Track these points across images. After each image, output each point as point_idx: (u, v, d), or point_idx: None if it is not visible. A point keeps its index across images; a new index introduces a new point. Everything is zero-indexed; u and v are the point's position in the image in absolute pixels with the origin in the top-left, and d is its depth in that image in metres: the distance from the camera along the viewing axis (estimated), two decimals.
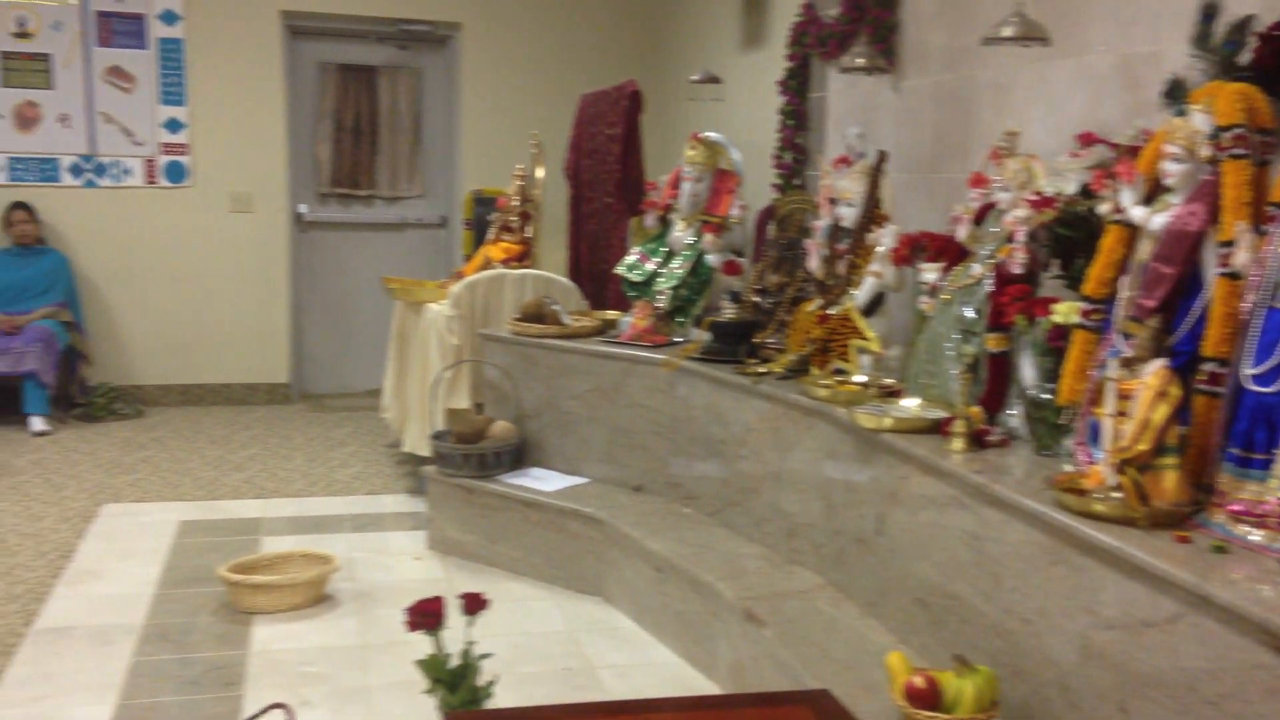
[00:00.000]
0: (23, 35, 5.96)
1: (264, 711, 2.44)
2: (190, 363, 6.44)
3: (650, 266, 4.29)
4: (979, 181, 2.93)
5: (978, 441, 2.53)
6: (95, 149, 6.13)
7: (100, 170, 6.16)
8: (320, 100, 6.62)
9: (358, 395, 6.70)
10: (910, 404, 2.80)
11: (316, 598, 3.58)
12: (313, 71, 6.58)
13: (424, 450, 4.68)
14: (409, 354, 5.09)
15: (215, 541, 4.13)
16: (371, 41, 6.64)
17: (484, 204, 6.35)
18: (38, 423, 5.63)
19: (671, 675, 3.13)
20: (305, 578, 3.56)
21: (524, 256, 5.07)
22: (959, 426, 2.51)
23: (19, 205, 5.94)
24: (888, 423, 2.68)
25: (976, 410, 2.60)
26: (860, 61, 3.77)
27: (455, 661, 2.58)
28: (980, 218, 2.90)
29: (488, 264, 5.04)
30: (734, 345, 3.64)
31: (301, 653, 3.22)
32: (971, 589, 2.35)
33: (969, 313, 2.75)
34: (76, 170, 6.13)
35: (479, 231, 6.29)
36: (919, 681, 2.13)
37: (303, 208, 6.63)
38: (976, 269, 2.78)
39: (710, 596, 3.06)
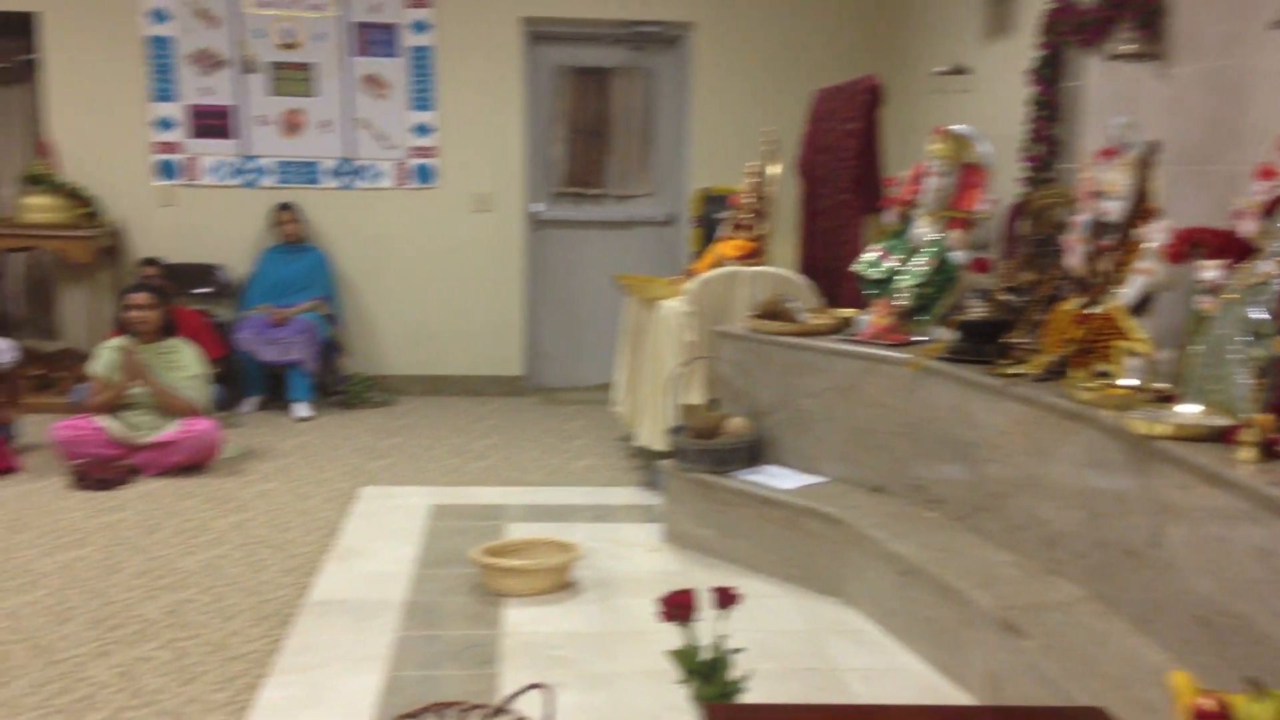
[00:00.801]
0: (289, 46, 6.40)
1: (524, 690, 2.53)
2: (434, 355, 6.77)
3: (891, 264, 4.21)
4: (1269, 174, 2.73)
5: (1268, 451, 2.37)
6: (353, 152, 6.53)
7: (357, 173, 6.55)
8: (556, 103, 6.82)
9: (588, 389, 6.87)
10: (1190, 410, 2.64)
11: (561, 584, 3.69)
12: (549, 75, 6.79)
13: (657, 445, 4.76)
14: (641, 350, 5.18)
15: (464, 525, 4.32)
16: (606, 44, 6.79)
17: (713, 202, 6.40)
18: (302, 409, 6.04)
19: (920, 682, 3.07)
20: (551, 564, 3.68)
21: (757, 253, 5.07)
22: (1248, 435, 2.35)
23: (285, 206, 6.38)
24: (1166, 429, 2.54)
25: (1267, 418, 2.43)
26: (1130, 48, 3.59)
27: (707, 654, 2.61)
28: (1269, 211, 2.70)
29: (720, 261, 5.07)
30: (983, 345, 3.53)
31: (550, 636, 3.33)
32: (1261, 608, 2.20)
33: (1258, 314, 2.57)
34: (336, 173, 6.54)
35: (707, 229, 6.34)
36: (1209, 704, 2.00)
37: (537, 207, 6.85)
38: (1265, 266, 2.59)
39: (961, 603, 2.98)
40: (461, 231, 6.68)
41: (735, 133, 6.57)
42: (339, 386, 6.41)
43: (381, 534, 4.22)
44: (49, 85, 6.31)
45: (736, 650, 2.64)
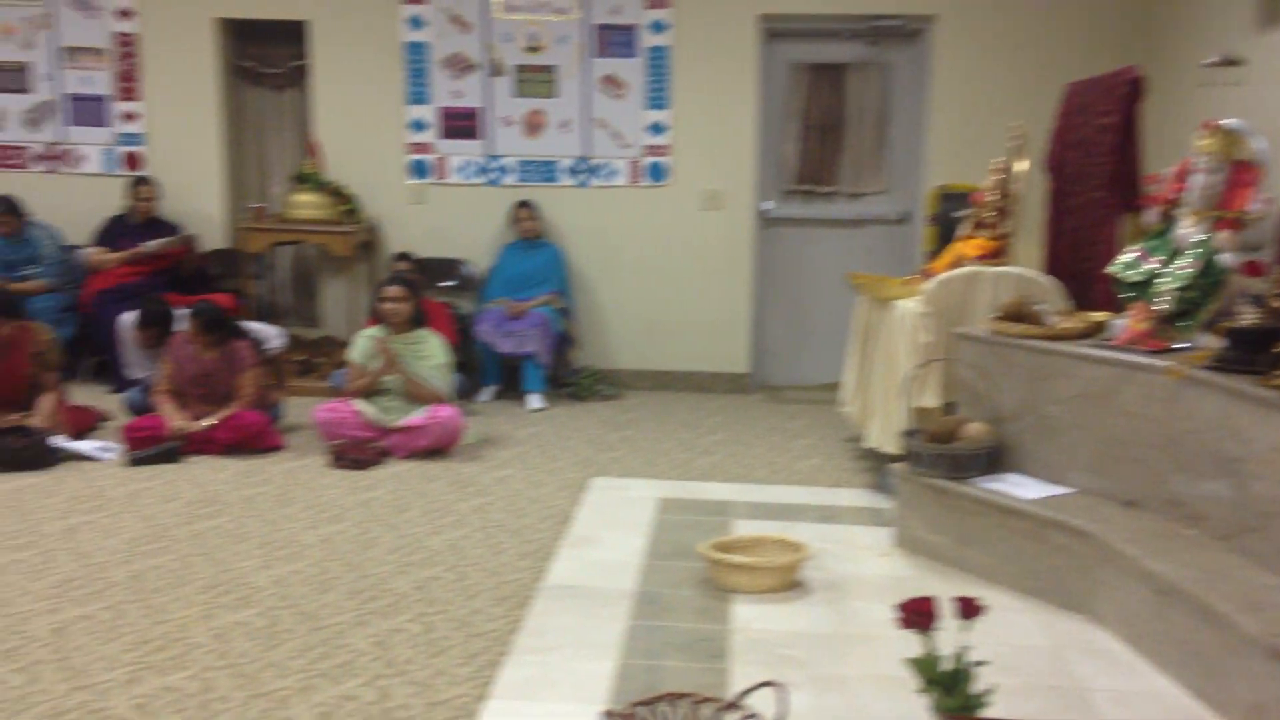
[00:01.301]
0: (534, 50, 6.63)
1: (756, 687, 2.53)
2: (661, 350, 6.87)
3: (1150, 266, 3.98)
4: None
5: None
6: (589, 151, 6.70)
7: (592, 171, 6.72)
8: (789, 100, 6.79)
9: (814, 389, 6.80)
10: None
11: (790, 583, 3.67)
12: (784, 72, 6.76)
13: (888, 447, 4.67)
14: (872, 350, 5.09)
15: (691, 520, 4.36)
16: (842, 40, 6.70)
17: (949, 200, 6.21)
18: (535, 400, 6.26)
19: (1176, 708, 2.88)
20: (781, 562, 3.67)
21: (1000, 253, 4.88)
22: None
23: (524, 203, 6.62)
24: None
25: None
26: None
27: (948, 665, 2.54)
28: None
29: (960, 261, 4.92)
30: (1254, 354, 3.28)
31: (780, 635, 3.32)
32: None
33: None
34: (573, 171, 6.73)
35: (943, 228, 6.16)
36: None
37: (767, 205, 6.83)
38: None
39: (1225, 628, 2.79)
40: (691, 229, 6.75)
41: (976, 128, 6.36)
42: (570, 379, 6.60)
43: (612, 524, 4.32)
44: (316, 89, 6.77)
45: (979, 663, 2.56)
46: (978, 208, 5.08)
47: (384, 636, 3.26)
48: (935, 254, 5.64)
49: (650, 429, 5.89)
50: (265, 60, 6.95)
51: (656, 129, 6.65)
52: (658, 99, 6.62)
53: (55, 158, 6.85)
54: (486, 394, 6.42)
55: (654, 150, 6.68)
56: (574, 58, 6.62)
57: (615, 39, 6.59)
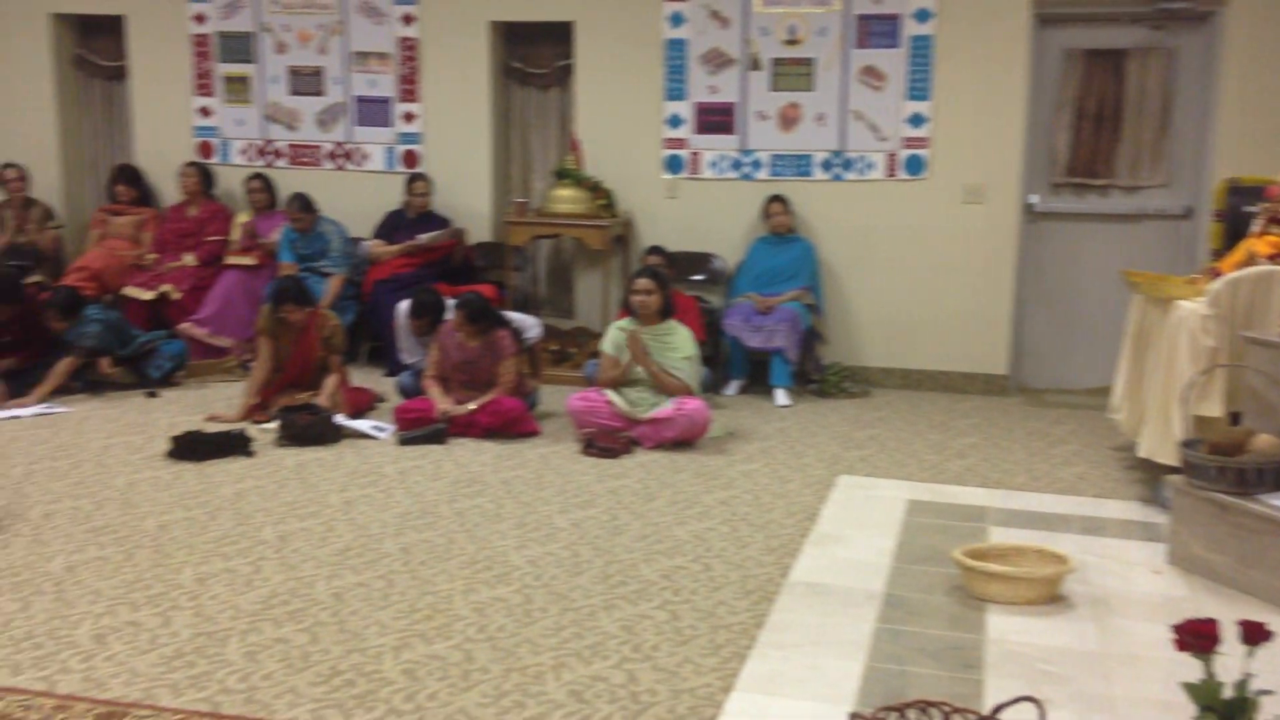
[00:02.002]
0: (792, 42, 6.59)
1: (1014, 701, 2.41)
2: (912, 348, 6.69)
3: None
4: None
5: None
6: (844, 145, 6.60)
7: (847, 165, 6.62)
8: (1061, 88, 6.45)
9: (1079, 393, 6.45)
10: None
11: (1051, 596, 3.49)
12: (1057, 59, 6.43)
13: (1163, 457, 4.36)
14: (1148, 353, 4.76)
15: (943, 524, 4.22)
16: (1123, 24, 6.30)
17: (1240, 194, 5.75)
18: (782, 395, 6.23)
19: None
20: (1042, 574, 3.49)
21: None
22: None
23: (776, 198, 6.59)
24: None
25: None
26: None
27: (1229, 692, 2.34)
28: None
29: (1251, 259, 4.53)
30: None
31: (1039, 649, 3.16)
32: None
33: None
34: (827, 165, 6.65)
35: (1232, 224, 5.70)
36: None
37: (1033, 198, 6.52)
38: None
39: None
40: (949, 224, 6.52)
41: (1272, 117, 5.84)
42: (817, 375, 6.53)
43: (859, 523, 4.24)
44: (579, 87, 6.99)
45: (1263, 692, 2.34)
46: (1273, 203, 4.66)
47: (632, 622, 3.33)
48: (1222, 252, 5.23)
49: (899, 428, 5.74)
50: (532, 60, 7.24)
51: (916, 120, 6.47)
52: (919, 90, 6.44)
53: (343, 156, 7.39)
54: (733, 388, 6.45)
55: (912, 143, 6.50)
56: (833, 49, 6.53)
57: (876, 29, 6.46)
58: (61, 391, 5.92)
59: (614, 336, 5.48)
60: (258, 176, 7.25)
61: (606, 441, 5.18)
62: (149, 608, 3.36)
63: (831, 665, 3.06)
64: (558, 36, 7.04)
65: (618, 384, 5.40)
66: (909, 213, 6.58)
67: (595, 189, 6.75)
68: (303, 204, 6.85)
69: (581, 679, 2.97)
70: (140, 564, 3.71)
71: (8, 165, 7.26)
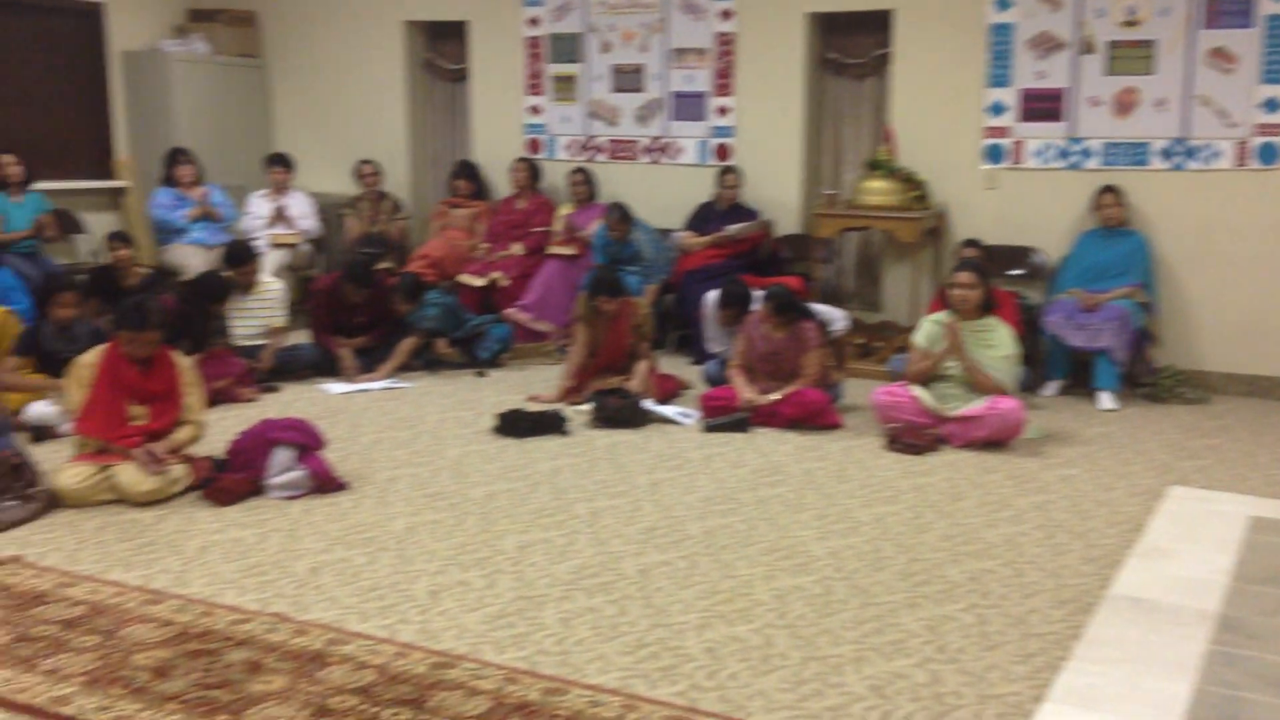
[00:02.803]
0: (1130, 24, 6.17)
1: None
2: (1260, 353, 6.11)
3: None
4: None
5: None
6: (1187, 132, 6.11)
7: (1190, 153, 6.12)
8: None
9: None
10: None
11: None
12: None
13: None
14: None
15: None
16: None
17: None
18: (1106, 398, 5.86)
19: None
20: None
21: None
22: None
23: (1108, 189, 6.20)
24: None
25: None
26: None
27: None
28: None
29: None
30: None
31: None
32: None
33: None
34: (1166, 153, 6.18)
35: None
36: None
37: None
38: None
39: None
40: None
41: None
42: (1147, 378, 6.09)
43: (1191, 538, 3.93)
44: (896, 77, 6.86)
45: None
46: None
47: (935, 622, 3.26)
48: None
49: (1243, 439, 5.26)
50: (848, 51, 7.17)
51: (1271, 105, 5.89)
52: (1274, 72, 5.86)
53: (659, 150, 7.62)
54: (1051, 388, 6.13)
55: (1266, 129, 5.93)
56: (1178, 30, 6.05)
57: (1227, 8, 5.93)
58: (404, 368, 6.47)
59: (927, 329, 5.35)
60: (579, 170, 7.61)
61: (912, 437, 5.07)
62: (476, 569, 3.62)
63: (1155, 685, 2.86)
64: (876, 25, 6.94)
65: (925, 379, 5.27)
66: (1260, 205, 6.00)
67: (908, 180, 6.61)
68: (621, 214, 7.06)
69: (882, 674, 2.93)
70: (469, 529, 4.00)
71: (364, 162, 8.00)
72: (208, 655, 2.96)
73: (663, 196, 7.46)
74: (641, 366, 5.86)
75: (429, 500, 4.31)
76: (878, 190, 6.61)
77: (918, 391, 5.22)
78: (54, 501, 4.14)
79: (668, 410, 5.60)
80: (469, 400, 5.94)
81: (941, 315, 5.34)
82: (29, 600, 3.30)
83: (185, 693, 2.76)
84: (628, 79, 7.62)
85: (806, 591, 3.47)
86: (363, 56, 8.43)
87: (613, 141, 7.75)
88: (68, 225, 7.54)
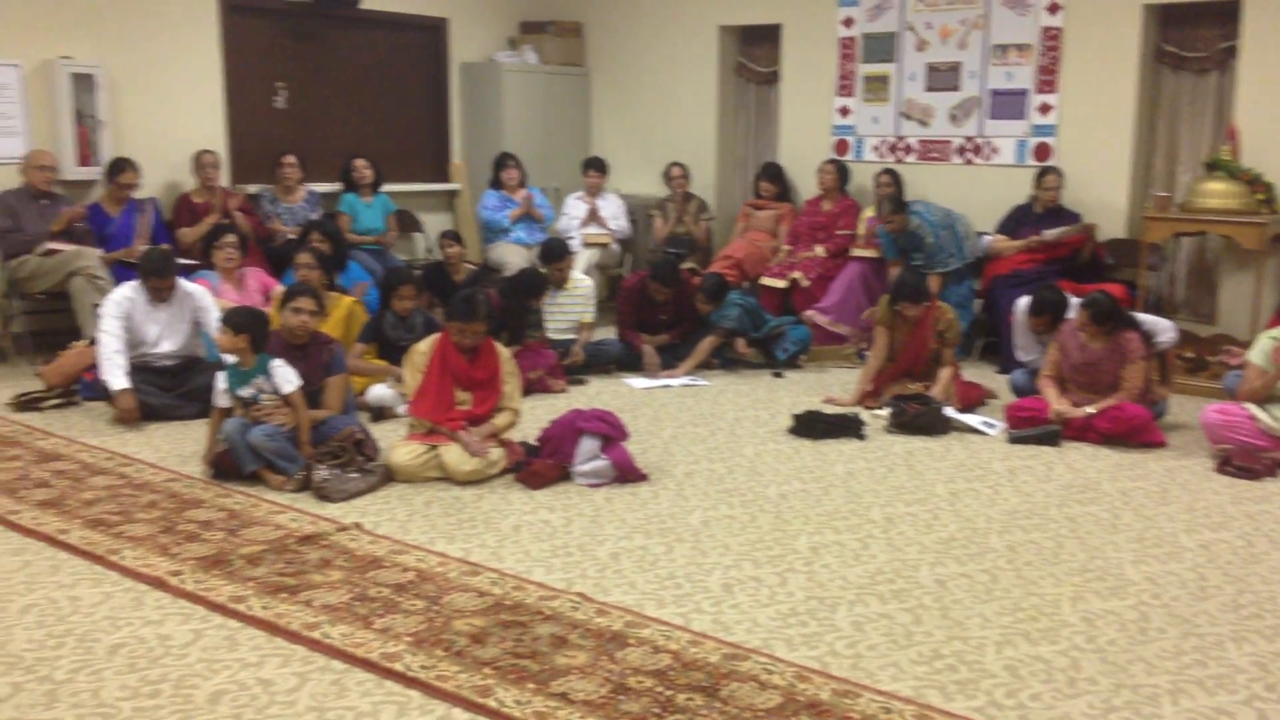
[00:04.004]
0: None
1: None
2: None
3: None
4: None
5: None
6: None
7: None
8: None
9: None
10: None
11: None
12: None
13: None
14: None
15: None
16: None
17: None
18: None
19: None
20: None
21: None
22: None
23: None
24: None
25: None
26: None
27: None
28: None
29: None
30: None
31: None
32: None
33: None
34: None
35: None
36: None
37: None
38: None
39: None
40: None
41: None
42: None
43: None
44: (1242, 70, 6.31)
45: None
46: None
47: (1266, 659, 2.98)
48: None
49: None
50: (1189, 44, 6.67)
51: None
52: None
53: (972, 150, 7.38)
54: None
55: None
56: None
57: None
58: (703, 366, 6.61)
59: (1264, 345, 4.89)
60: (887, 172, 7.49)
61: (1246, 460, 4.66)
62: (769, 566, 3.66)
63: None
64: (1221, 17, 6.41)
65: (1263, 399, 4.82)
66: None
67: (1253, 182, 6.07)
68: (894, 205, 6.83)
69: (1201, 709, 2.73)
70: (762, 526, 4.05)
71: (674, 164, 8.24)
72: (519, 627, 3.17)
73: (975, 199, 7.22)
74: (945, 373, 5.71)
75: (724, 496, 4.40)
76: (1217, 193, 6.11)
77: (1255, 411, 4.79)
78: (389, 476, 4.54)
79: (971, 419, 5.43)
80: (765, 400, 5.99)
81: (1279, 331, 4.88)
82: (367, 563, 3.65)
83: (498, 659, 2.97)
84: (943, 77, 7.43)
85: (1119, 616, 3.27)
86: (678, 62, 8.68)
87: (923, 142, 7.58)
88: (408, 224, 8.25)
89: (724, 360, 6.71)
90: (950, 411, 5.44)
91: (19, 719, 2.66)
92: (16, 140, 6.62)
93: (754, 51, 8.54)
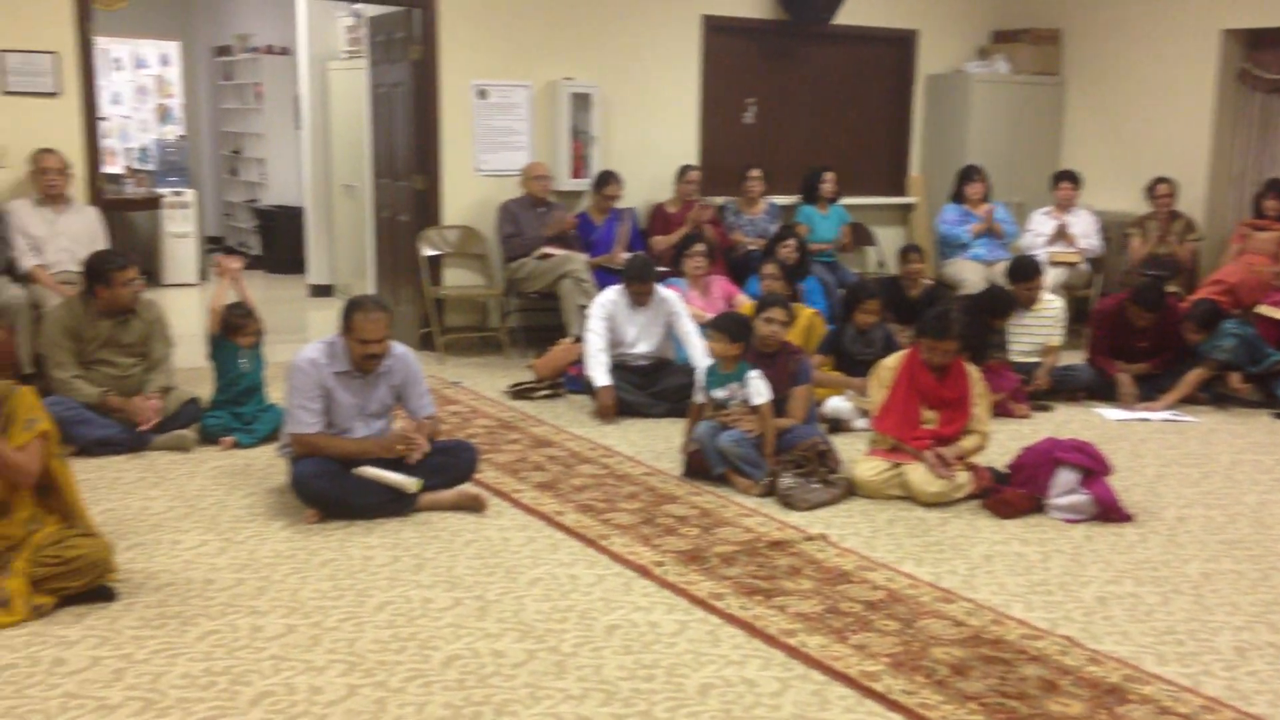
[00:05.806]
0: None
1: None
2: None
3: None
4: None
5: None
6: None
7: None
8: None
9: None
10: None
11: None
12: None
13: None
14: None
15: None
16: None
17: None
18: None
19: None
20: None
21: None
22: None
23: None
24: None
25: None
26: None
27: None
28: None
29: None
30: None
31: None
32: None
33: None
34: None
35: None
36: None
37: None
38: None
39: None
40: None
41: None
42: None
43: None
44: None
45: None
46: None
47: None
48: None
49: None
50: None
51: None
52: None
53: None
54: None
55: None
56: None
57: None
58: (1188, 401, 6.01)
59: None
60: None
61: None
62: None
63: None
64: None
65: None
66: None
67: None
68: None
69: None
70: (1276, 585, 3.59)
71: (1160, 180, 7.54)
72: (1002, 664, 3.01)
73: None
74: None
75: (1226, 547, 3.95)
76: None
77: None
78: (850, 489, 4.52)
79: None
80: (1266, 444, 5.34)
81: None
82: (835, 576, 3.65)
83: (984, 695, 2.84)
84: None
85: None
86: (1170, 69, 7.97)
87: None
88: (861, 237, 8.23)
89: (1213, 396, 6.07)
90: None
91: (534, 685, 2.91)
92: (522, 154, 7.33)
93: (1262, 56, 7.65)
